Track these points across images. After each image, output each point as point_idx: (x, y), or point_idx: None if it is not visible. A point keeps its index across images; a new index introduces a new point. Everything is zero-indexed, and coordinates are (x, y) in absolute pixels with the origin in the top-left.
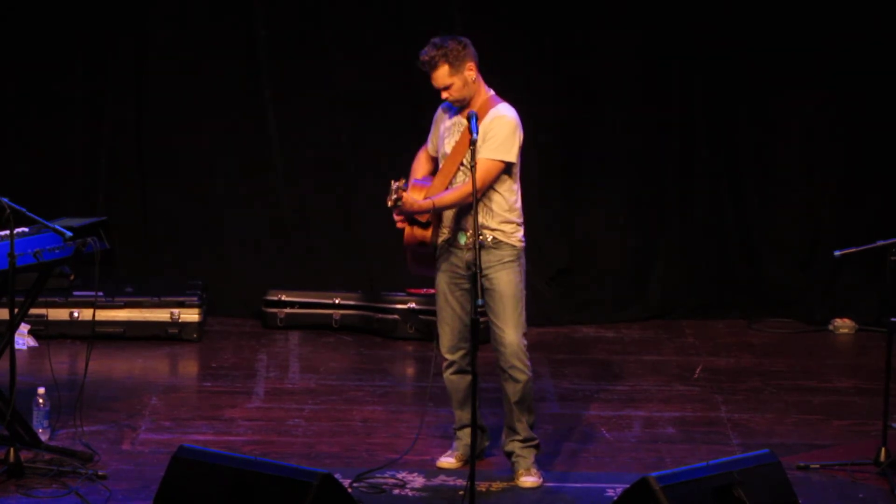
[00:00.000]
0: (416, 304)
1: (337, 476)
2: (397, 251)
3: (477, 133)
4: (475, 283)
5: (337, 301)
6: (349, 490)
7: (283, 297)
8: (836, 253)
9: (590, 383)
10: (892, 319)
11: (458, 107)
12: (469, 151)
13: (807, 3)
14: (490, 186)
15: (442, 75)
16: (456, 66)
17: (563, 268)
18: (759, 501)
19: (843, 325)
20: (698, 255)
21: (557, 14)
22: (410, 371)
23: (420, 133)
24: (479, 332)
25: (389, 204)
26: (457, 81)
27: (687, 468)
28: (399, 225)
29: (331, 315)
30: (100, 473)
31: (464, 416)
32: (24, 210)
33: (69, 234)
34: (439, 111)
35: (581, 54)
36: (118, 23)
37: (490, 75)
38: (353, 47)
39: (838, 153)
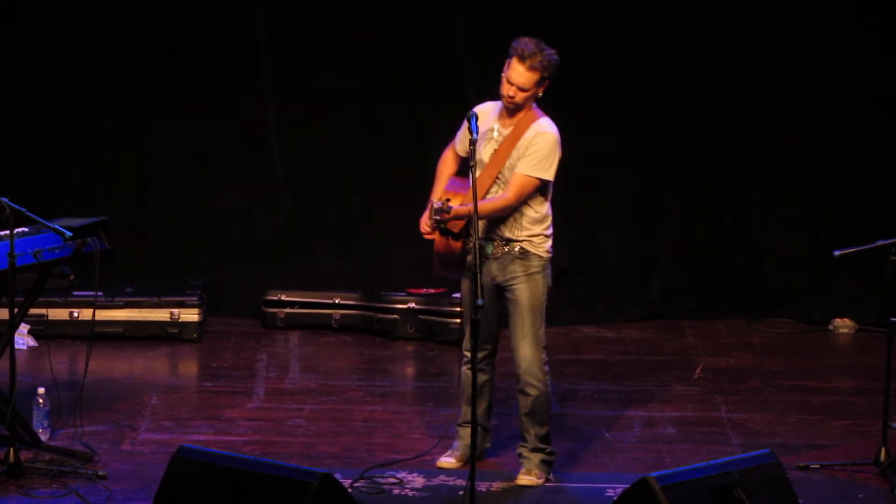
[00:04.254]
0: (416, 304)
1: (337, 476)
2: (397, 251)
3: (476, 133)
4: (476, 283)
5: (337, 301)
6: (349, 490)
7: (283, 297)
8: (836, 253)
9: (590, 383)
10: (893, 319)
11: (511, 106)
12: (505, 164)
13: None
14: (525, 201)
15: (527, 77)
16: (542, 80)
17: (563, 268)
18: (760, 502)
19: (844, 325)
20: (698, 255)
21: (558, 18)
22: (410, 371)
23: (419, 133)
24: (480, 330)
25: (430, 226)
26: (531, 91)
27: (687, 468)
28: (427, 237)
29: (331, 315)
30: (100, 473)
31: (470, 412)
32: (23, 210)
33: (69, 234)
34: (476, 111)
35: (583, 56)
36: (119, 23)
37: (490, 76)
38: (354, 50)
39: (838, 153)
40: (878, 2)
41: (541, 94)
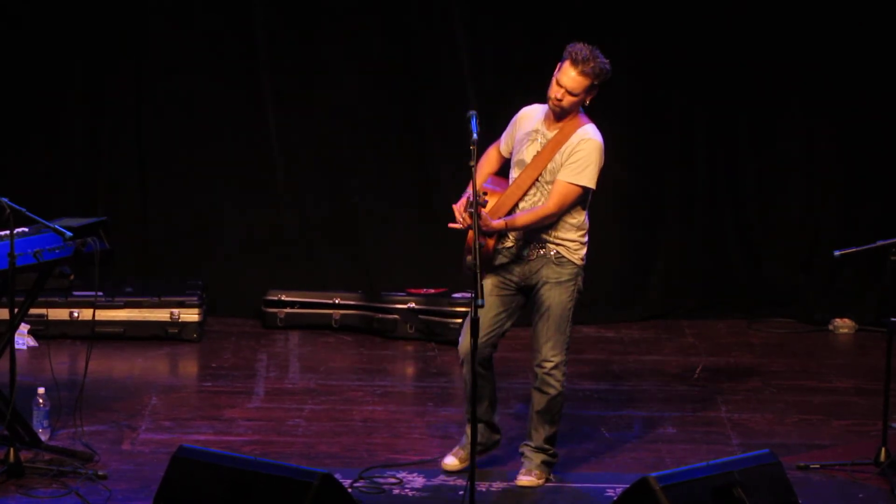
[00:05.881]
0: (416, 304)
1: (337, 476)
2: (397, 251)
3: (476, 134)
4: (476, 283)
5: (337, 301)
6: (349, 490)
7: (283, 297)
8: (836, 253)
9: (590, 383)
10: (892, 319)
11: (557, 110)
12: (546, 167)
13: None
14: (567, 210)
15: (578, 82)
16: (591, 87)
17: None
18: (759, 501)
19: (843, 325)
20: (698, 254)
21: (557, 18)
22: (410, 371)
23: (419, 133)
24: (479, 330)
25: (462, 225)
26: (580, 97)
27: (687, 468)
28: (452, 226)
29: (331, 315)
30: (100, 473)
31: (477, 409)
32: (23, 210)
33: (69, 234)
34: (523, 113)
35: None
36: (119, 24)
37: (491, 77)
38: (354, 50)
39: (838, 153)
40: (878, 1)
41: (588, 103)
